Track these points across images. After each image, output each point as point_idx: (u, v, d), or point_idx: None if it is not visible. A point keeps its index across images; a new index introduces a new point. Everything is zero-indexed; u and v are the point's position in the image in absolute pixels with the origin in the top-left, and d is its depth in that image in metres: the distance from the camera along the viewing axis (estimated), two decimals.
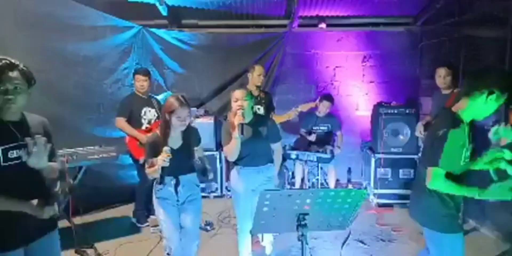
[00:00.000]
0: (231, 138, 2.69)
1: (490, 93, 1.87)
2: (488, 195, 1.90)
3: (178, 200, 2.60)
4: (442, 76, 3.66)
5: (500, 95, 1.87)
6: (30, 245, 1.85)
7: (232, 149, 2.70)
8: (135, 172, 4.28)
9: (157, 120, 4.09)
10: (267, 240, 3.09)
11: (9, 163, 1.75)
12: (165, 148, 2.36)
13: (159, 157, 2.36)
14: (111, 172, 4.44)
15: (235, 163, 2.85)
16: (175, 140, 2.55)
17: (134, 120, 3.95)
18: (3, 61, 1.79)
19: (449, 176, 1.94)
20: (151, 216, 4.28)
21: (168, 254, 2.64)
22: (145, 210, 4.19)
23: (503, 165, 1.95)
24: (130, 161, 4.15)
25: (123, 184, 4.56)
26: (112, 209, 4.49)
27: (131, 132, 3.90)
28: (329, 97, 4.78)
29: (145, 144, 2.63)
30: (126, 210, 4.40)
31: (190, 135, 2.63)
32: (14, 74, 1.79)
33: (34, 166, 1.76)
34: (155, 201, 2.65)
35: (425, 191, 2.04)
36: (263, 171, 2.86)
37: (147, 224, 4.08)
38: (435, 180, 1.94)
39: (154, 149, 2.46)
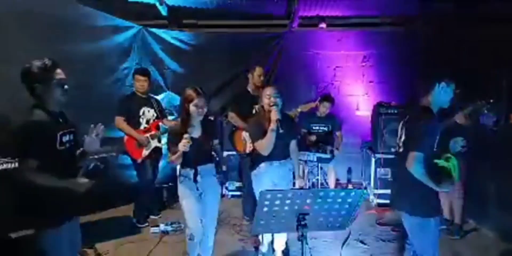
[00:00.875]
0: (263, 133, 2.80)
1: (439, 83, 2.30)
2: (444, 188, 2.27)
3: (198, 189, 2.74)
4: None
5: (447, 82, 2.30)
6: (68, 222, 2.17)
7: (269, 143, 2.80)
8: (135, 172, 4.29)
9: (155, 120, 4.08)
10: (279, 245, 3.14)
11: (63, 147, 2.09)
12: (185, 135, 2.55)
13: (180, 143, 2.54)
14: (111, 172, 4.43)
15: (263, 158, 2.91)
16: (195, 129, 2.71)
17: (133, 120, 3.95)
18: (52, 59, 2.13)
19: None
20: (151, 216, 4.29)
21: (190, 239, 2.78)
22: (145, 210, 4.19)
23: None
24: (129, 161, 4.14)
25: (123, 184, 4.56)
26: (112, 209, 4.48)
27: (130, 132, 3.90)
28: (329, 98, 4.78)
29: (168, 133, 2.82)
30: (126, 210, 4.40)
31: (209, 126, 2.83)
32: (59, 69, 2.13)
33: (88, 149, 2.23)
34: (179, 192, 2.79)
35: (408, 180, 2.28)
36: (286, 164, 3.02)
37: (147, 224, 4.07)
38: (416, 163, 2.20)
39: (176, 138, 2.61)
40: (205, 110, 2.70)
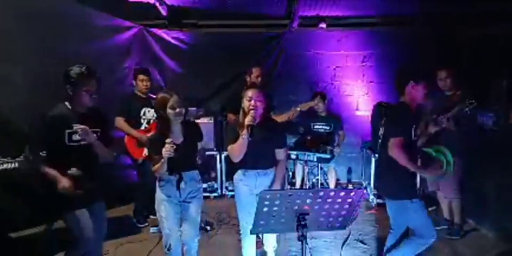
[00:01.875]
0: (237, 138, 2.57)
1: (409, 83, 2.58)
2: (429, 174, 2.63)
3: (180, 196, 2.63)
4: (443, 78, 3.61)
5: (417, 81, 2.57)
6: (92, 207, 2.55)
7: (237, 150, 2.58)
8: (134, 172, 4.29)
9: (156, 120, 4.09)
10: (270, 246, 2.96)
11: (73, 143, 2.39)
12: (167, 140, 2.42)
13: (163, 149, 2.41)
14: (111, 172, 4.43)
15: (239, 165, 2.72)
16: (176, 135, 2.58)
17: (134, 120, 3.95)
18: (89, 69, 2.37)
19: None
20: (151, 216, 4.28)
21: (168, 250, 2.65)
22: (145, 210, 4.18)
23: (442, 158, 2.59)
24: (129, 161, 4.14)
25: (122, 184, 4.56)
26: (112, 209, 4.48)
27: (130, 132, 3.90)
28: (319, 93, 4.78)
29: (148, 142, 2.69)
30: (126, 210, 4.40)
31: (191, 130, 2.67)
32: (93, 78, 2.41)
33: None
34: (157, 198, 2.67)
35: (384, 167, 2.67)
36: (267, 174, 2.72)
37: (146, 224, 4.07)
38: (396, 147, 2.48)
39: (157, 147, 2.47)
40: (183, 111, 2.53)
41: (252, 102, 2.55)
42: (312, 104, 4.19)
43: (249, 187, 2.72)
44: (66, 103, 2.40)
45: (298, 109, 3.96)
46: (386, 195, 2.77)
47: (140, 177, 4.08)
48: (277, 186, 2.72)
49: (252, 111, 2.52)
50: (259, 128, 2.54)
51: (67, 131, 2.34)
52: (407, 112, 2.60)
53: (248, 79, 4.08)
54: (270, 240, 2.93)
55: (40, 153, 2.28)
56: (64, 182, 2.32)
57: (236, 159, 2.64)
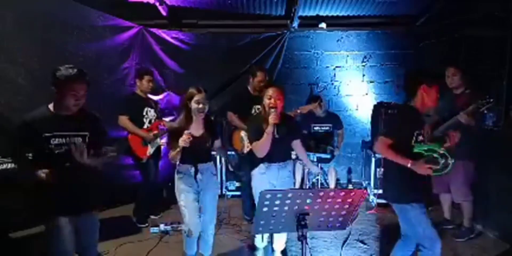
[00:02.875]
0: (260, 134, 2.74)
1: (421, 86, 2.47)
2: (418, 170, 2.40)
3: (198, 186, 2.78)
4: (450, 76, 3.57)
5: (429, 84, 2.47)
6: (79, 218, 2.31)
7: (264, 146, 2.74)
8: (136, 172, 4.28)
9: (157, 120, 4.10)
10: (280, 244, 3.11)
11: (55, 148, 2.21)
12: (186, 131, 2.60)
13: (180, 139, 2.57)
14: (111, 172, 4.43)
15: (260, 160, 2.88)
16: (197, 127, 2.76)
17: (136, 120, 3.95)
18: (80, 71, 2.20)
19: (394, 147, 2.45)
20: (151, 216, 4.28)
21: (188, 236, 2.81)
22: (146, 210, 4.18)
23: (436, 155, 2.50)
24: (131, 161, 4.13)
25: (123, 184, 4.55)
26: (112, 209, 4.48)
27: (135, 130, 3.90)
28: (314, 98, 4.77)
29: (169, 130, 2.88)
30: (126, 210, 4.39)
31: (210, 125, 2.86)
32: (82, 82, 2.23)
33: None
34: (177, 188, 2.82)
35: (391, 172, 2.57)
36: (286, 166, 2.95)
37: (147, 224, 4.07)
38: (381, 145, 2.47)
39: (177, 135, 2.64)
40: (206, 107, 2.74)
41: (272, 100, 2.75)
42: (312, 107, 4.23)
43: (269, 179, 2.89)
44: (50, 106, 2.24)
45: (299, 111, 3.98)
46: (391, 201, 2.65)
47: (143, 176, 4.07)
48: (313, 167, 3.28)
49: (273, 109, 2.71)
50: (279, 124, 2.74)
51: (46, 135, 2.17)
52: (408, 114, 2.55)
53: (251, 79, 4.08)
54: (280, 241, 3.09)
55: (27, 155, 2.16)
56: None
57: (262, 154, 2.80)
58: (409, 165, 2.39)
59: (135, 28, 4.83)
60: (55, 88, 2.17)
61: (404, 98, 5.28)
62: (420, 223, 2.47)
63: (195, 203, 2.79)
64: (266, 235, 3.10)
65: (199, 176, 2.77)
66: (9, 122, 3.25)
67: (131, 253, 3.49)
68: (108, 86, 4.46)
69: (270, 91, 2.78)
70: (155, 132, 4.01)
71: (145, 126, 4.01)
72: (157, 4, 4.70)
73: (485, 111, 3.18)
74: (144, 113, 4.03)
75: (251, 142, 2.88)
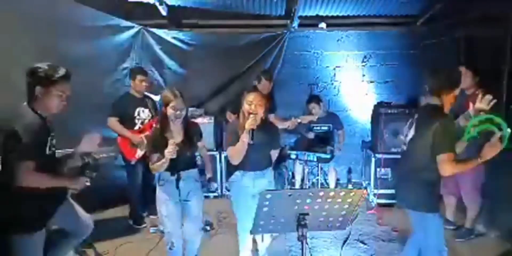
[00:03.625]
0: (237, 140, 2.61)
1: (454, 90, 2.35)
2: (487, 155, 2.23)
3: (180, 195, 2.64)
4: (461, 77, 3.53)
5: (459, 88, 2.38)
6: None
7: (238, 153, 2.62)
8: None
9: (150, 120, 4.02)
10: (265, 243, 3.00)
11: (50, 151, 2.16)
12: (170, 141, 2.45)
13: (166, 150, 2.44)
14: (110, 172, 4.43)
15: (237, 166, 2.75)
16: (176, 134, 2.63)
17: (128, 121, 3.89)
18: (68, 72, 2.10)
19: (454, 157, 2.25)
20: (151, 216, 4.27)
21: (170, 248, 2.68)
22: (140, 211, 4.15)
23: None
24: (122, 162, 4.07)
25: (122, 184, 4.54)
26: (111, 209, 4.48)
27: (122, 132, 3.85)
28: (313, 98, 4.76)
29: (148, 139, 2.72)
30: (126, 210, 4.39)
31: (191, 130, 2.72)
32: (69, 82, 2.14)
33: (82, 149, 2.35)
34: (157, 197, 2.70)
35: (420, 179, 2.36)
36: (264, 175, 2.80)
37: (144, 225, 4.05)
38: (449, 165, 2.21)
39: (155, 144, 2.53)
40: (183, 113, 2.59)
41: (253, 106, 2.60)
42: (312, 118, 4.26)
43: (247, 188, 2.74)
44: (29, 108, 2.08)
45: (299, 120, 3.99)
46: (411, 206, 2.48)
47: (130, 178, 4.02)
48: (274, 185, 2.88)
49: (252, 116, 2.57)
50: (258, 131, 2.60)
51: (48, 137, 2.14)
52: (454, 125, 2.38)
53: (256, 83, 4.07)
54: (265, 238, 2.96)
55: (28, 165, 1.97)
56: (69, 182, 2.21)
57: (236, 161, 2.67)
58: (479, 160, 2.24)
59: (135, 28, 4.83)
60: (40, 88, 2.03)
61: (405, 98, 5.33)
62: (437, 234, 2.42)
63: (177, 213, 2.68)
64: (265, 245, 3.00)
65: (181, 184, 2.62)
66: (9, 122, 3.25)
67: (130, 253, 3.49)
68: (108, 86, 4.46)
69: (251, 97, 2.63)
70: (147, 133, 3.89)
71: (136, 127, 3.94)
72: (157, 4, 4.70)
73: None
74: (136, 114, 3.95)
75: (226, 147, 2.77)
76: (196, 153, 2.90)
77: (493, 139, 2.21)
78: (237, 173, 2.77)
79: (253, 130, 2.54)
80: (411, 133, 2.47)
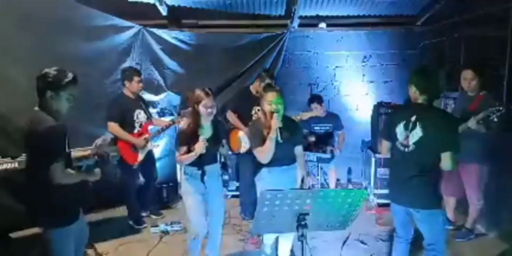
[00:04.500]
0: (263, 140, 2.69)
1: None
2: None
3: (205, 189, 2.79)
4: (467, 79, 3.43)
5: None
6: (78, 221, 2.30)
7: (268, 152, 2.68)
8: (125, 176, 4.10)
9: (146, 122, 3.96)
10: (285, 252, 3.01)
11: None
12: (201, 137, 2.66)
13: (197, 145, 2.63)
14: (111, 172, 4.42)
15: (262, 165, 2.81)
16: (206, 130, 2.80)
17: (127, 124, 3.79)
18: (76, 76, 2.19)
19: None
20: (153, 216, 4.26)
21: (194, 238, 2.79)
22: (138, 211, 4.13)
23: None
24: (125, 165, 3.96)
25: (122, 184, 4.55)
26: (112, 209, 4.48)
27: (125, 137, 3.74)
28: (315, 98, 4.75)
29: (178, 133, 2.85)
30: (126, 210, 4.39)
31: (218, 127, 2.89)
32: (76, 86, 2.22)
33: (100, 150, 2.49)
34: (183, 190, 2.85)
35: (428, 177, 2.42)
36: (289, 171, 2.89)
37: (145, 225, 4.05)
38: (454, 162, 2.35)
39: (186, 138, 2.70)
40: (214, 110, 2.76)
41: (274, 105, 2.69)
42: (312, 114, 4.25)
43: (273, 184, 2.73)
44: (43, 112, 2.16)
45: (299, 117, 3.99)
46: (419, 206, 2.49)
47: (130, 181, 3.98)
48: (304, 179, 3.04)
49: (275, 114, 2.64)
50: (282, 128, 2.68)
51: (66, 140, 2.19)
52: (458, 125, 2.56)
53: (257, 83, 4.07)
54: (285, 248, 2.98)
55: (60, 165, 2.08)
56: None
57: (267, 160, 2.74)
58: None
59: (135, 28, 4.83)
60: (50, 92, 2.11)
61: (405, 98, 5.33)
62: (443, 227, 2.55)
63: (202, 205, 2.81)
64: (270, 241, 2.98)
65: (205, 178, 2.78)
66: (9, 122, 3.26)
67: (131, 253, 3.49)
68: (108, 86, 4.45)
69: (270, 96, 2.71)
70: (146, 135, 3.90)
71: (135, 131, 3.86)
72: (157, 4, 4.70)
73: (495, 119, 3.11)
74: (135, 117, 3.85)
75: (253, 149, 2.81)
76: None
77: None
78: (264, 170, 2.84)
79: (280, 128, 2.64)
80: (417, 133, 2.43)
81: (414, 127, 2.45)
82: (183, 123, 2.92)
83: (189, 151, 2.71)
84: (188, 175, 2.80)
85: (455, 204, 3.82)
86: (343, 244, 3.61)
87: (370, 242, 3.66)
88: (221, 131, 2.91)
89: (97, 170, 2.33)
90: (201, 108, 2.71)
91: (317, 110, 4.71)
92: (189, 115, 2.84)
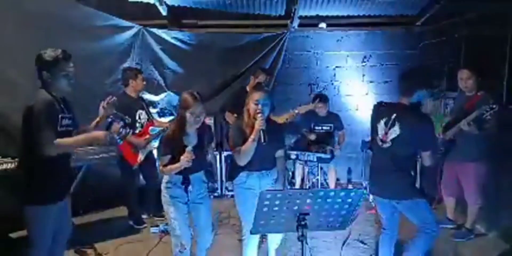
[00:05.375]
0: (244, 140, 2.58)
1: (421, 89, 2.55)
2: None
3: (188, 198, 2.59)
4: (463, 79, 3.48)
5: (430, 88, 2.65)
6: (60, 203, 2.35)
7: (247, 153, 2.57)
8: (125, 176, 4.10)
9: (147, 123, 3.97)
10: (274, 244, 2.99)
11: (62, 129, 2.27)
12: (188, 148, 2.40)
13: (183, 157, 2.39)
14: (111, 172, 4.43)
15: (242, 167, 2.70)
16: (191, 137, 2.57)
17: (129, 124, 3.80)
18: (65, 52, 2.25)
19: None
20: (154, 218, 4.25)
21: (180, 251, 2.62)
22: (139, 212, 4.12)
23: None
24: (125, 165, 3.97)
25: (122, 184, 4.54)
26: (112, 209, 4.48)
27: (129, 138, 3.68)
28: (321, 97, 4.74)
29: (161, 140, 2.61)
30: (126, 210, 4.39)
31: (205, 133, 2.67)
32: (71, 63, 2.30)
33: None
34: (164, 199, 2.65)
35: (405, 171, 2.62)
36: (269, 175, 2.77)
37: (145, 225, 4.05)
38: (433, 159, 2.57)
39: (170, 146, 2.49)
40: (202, 118, 2.52)
41: (259, 106, 2.56)
42: (310, 107, 4.17)
43: (252, 188, 2.71)
44: (43, 90, 2.25)
45: (297, 111, 3.95)
46: (400, 197, 2.62)
47: (130, 181, 3.98)
48: (280, 184, 2.84)
49: (259, 115, 2.53)
50: (265, 130, 2.55)
51: (60, 115, 2.26)
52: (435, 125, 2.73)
53: (252, 80, 4.08)
54: (274, 239, 2.96)
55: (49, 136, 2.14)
56: (98, 133, 2.36)
57: (244, 162, 2.62)
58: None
59: (135, 28, 4.83)
60: (47, 72, 2.22)
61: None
62: (431, 210, 2.69)
63: (185, 215, 2.62)
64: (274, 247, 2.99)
65: (190, 187, 2.57)
66: (8, 122, 3.26)
67: (131, 253, 3.49)
68: (108, 86, 4.45)
69: (257, 95, 2.60)
70: (147, 136, 3.90)
71: (137, 131, 3.86)
72: (157, 4, 4.70)
73: (489, 117, 3.12)
74: (137, 117, 3.86)
75: (232, 148, 2.69)
76: None
77: None
78: (242, 174, 2.72)
79: (263, 130, 2.51)
80: (395, 131, 2.57)
81: (393, 125, 2.57)
82: (166, 125, 2.73)
83: (172, 159, 2.49)
84: (170, 184, 2.59)
85: (455, 204, 3.83)
86: (343, 244, 3.60)
87: (370, 242, 3.66)
88: (207, 137, 2.69)
89: (106, 132, 2.37)
90: (187, 115, 2.46)
91: (320, 109, 4.70)
92: (174, 120, 2.62)
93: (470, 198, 3.58)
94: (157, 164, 4.28)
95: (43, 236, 2.29)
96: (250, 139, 2.54)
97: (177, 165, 2.43)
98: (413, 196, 2.60)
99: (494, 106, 3.05)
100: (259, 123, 2.51)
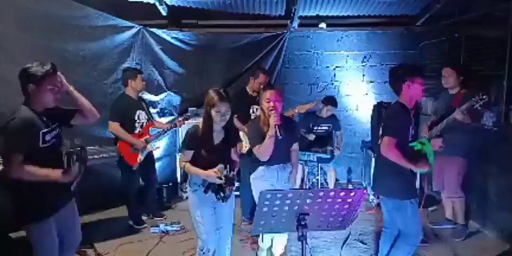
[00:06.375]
0: (262, 138, 2.74)
1: (405, 81, 2.57)
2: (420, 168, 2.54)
3: (214, 201, 2.54)
4: (445, 76, 3.65)
5: (412, 79, 2.57)
6: (56, 214, 2.26)
7: (268, 149, 2.73)
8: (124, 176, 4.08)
9: (148, 123, 3.97)
10: (279, 249, 3.03)
11: (45, 145, 2.19)
12: (219, 166, 2.38)
13: (212, 172, 2.37)
14: (111, 172, 4.42)
15: (259, 163, 2.85)
16: (217, 135, 2.57)
17: (128, 125, 3.79)
18: (51, 65, 2.18)
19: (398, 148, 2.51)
20: (156, 218, 4.24)
21: (204, 253, 2.61)
22: (139, 212, 4.12)
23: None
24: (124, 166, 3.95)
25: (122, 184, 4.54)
26: (112, 209, 4.48)
27: (126, 137, 3.74)
28: (333, 101, 4.73)
29: (186, 136, 2.56)
30: (126, 210, 4.39)
31: (231, 132, 2.66)
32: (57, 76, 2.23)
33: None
34: (192, 202, 2.60)
35: (389, 167, 2.56)
36: (286, 168, 2.94)
37: (145, 225, 4.04)
38: (390, 147, 2.51)
39: (194, 142, 2.50)
40: (228, 116, 2.50)
41: (271, 103, 2.75)
42: (309, 107, 4.18)
43: (270, 182, 2.86)
44: (25, 107, 2.18)
45: (296, 110, 3.96)
46: (384, 194, 2.75)
47: (130, 181, 3.97)
48: (295, 175, 3.08)
49: (273, 112, 2.71)
50: (280, 126, 2.72)
51: (42, 131, 2.18)
52: (402, 112, 2.60)
53: (252, 80, 4.07)
54: (280, 245, 3.01)
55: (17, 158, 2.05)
56: (57, 174, 2.15)
57: (266, 157, 2.78)
58: (414, 169, 2.53)
59: (135, 28, 4.83)
60: (33, 86, 2.12)
61: None
62: (415, 219, 2.61)
63: (212, 218, 2.58)
64: (268, 237, 3.03)
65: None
66: (9, 122, 3.25)
67: (131, 253, 3.49)
68: (108, 86, 4.45)
69: (268, 94, 2.79)
70: (147, 137, 3.90)
71: (136, 131, 3.86)
72: (157, 4, 4.70)
73: (479, 108, 3.17)
74: (136, 118, 3.85)
75: (252, 147, 2.84)
76: None
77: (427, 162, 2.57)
78: (260, 168, 2.87)
79: (279, 125, 2.68)
80: (382, 129, 2.70)
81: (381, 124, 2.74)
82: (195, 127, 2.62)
83: (195, 156, 2.50)
84: (196, 186, 2.54)
85: (453, 204, 3.83)
86: (343, 244, 3.61)
87: (370, 242, 3.66)
88: (233, 136, 2.70)
89: (73, 170, 2.18)
90: (213, 113, 2.45)
91: (330, 112, 4.70)
92: (202, 117, 2.57)
93: (449, 190, 3.68)
94: (156, 164, 4.30)
95: (45, 252, 2.24)
96: (268, 136, 2.71)
97: (202, 173, 2.43)
98: (393, 195, 2.63)
99: (484, 96, 3.08)
100: (273, 119, 2.69)
